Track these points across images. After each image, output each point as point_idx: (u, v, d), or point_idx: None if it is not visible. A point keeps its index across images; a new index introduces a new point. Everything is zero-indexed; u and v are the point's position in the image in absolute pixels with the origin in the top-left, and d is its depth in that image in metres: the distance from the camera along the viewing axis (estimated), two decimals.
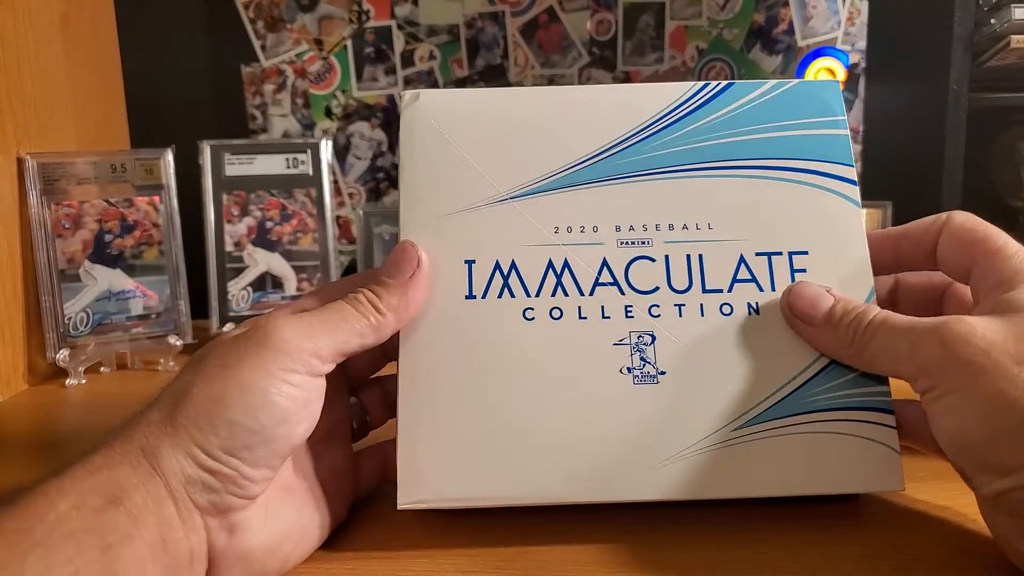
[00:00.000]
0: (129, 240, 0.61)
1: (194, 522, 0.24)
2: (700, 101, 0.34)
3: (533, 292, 0.31)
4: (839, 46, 0.80)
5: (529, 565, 0.28)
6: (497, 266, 0.32)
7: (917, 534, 0.29)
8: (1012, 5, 0.58)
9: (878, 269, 0.32)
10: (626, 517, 0.31)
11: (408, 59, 0.81)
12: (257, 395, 0.25)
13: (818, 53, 0.80)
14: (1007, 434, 0.25)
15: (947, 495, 0.32)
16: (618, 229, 0.32)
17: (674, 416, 0.30)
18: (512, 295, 0.31)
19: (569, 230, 0.32)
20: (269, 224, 0.68)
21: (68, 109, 0.64)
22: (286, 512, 0.27)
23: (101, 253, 0.60)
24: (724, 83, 0.34)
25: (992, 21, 0.61)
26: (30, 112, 0.58)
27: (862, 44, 0.81)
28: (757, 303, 0.31)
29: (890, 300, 0.35)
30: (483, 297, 0.31)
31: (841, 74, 0.80)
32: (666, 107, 0.33)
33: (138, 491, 0.23)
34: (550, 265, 0.32)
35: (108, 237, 0.61)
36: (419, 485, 0.29)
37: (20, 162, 0.56)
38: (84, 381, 0.57)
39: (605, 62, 0.81)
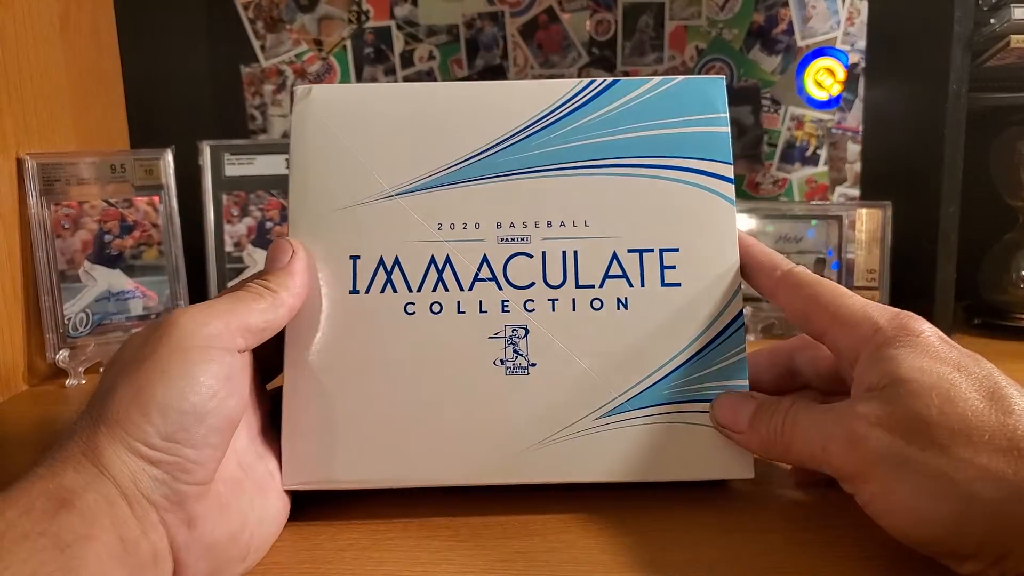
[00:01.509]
0: (129, 240, 0.61)
1: (151, 520, 0.24)
2: (585, 98, 0.34)
3: (415, 287, 0.33)
4: (838, 46, 0.80)
5: (529, 564, 0.28)
6: (381, 262, 0.33)
7: None
8: (1012, 5, 0.58)
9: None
10: (626, 517, 0.31)
11: (407, 59, 0.81)
12: (180, 377, 0.25)
13: (818, 53, 0.80)
14: (946, 525, 0.24)
15: None
16: (499, 226, 0.33)
17: (543, 405, 0.32)
18: (395, 290, 0.32)
19: (452, 227, 0.33)
20: (269, 224, 0.68)
21: (68, 109, 0.64)
22: (240, 502, 0.28)
23: (101, 253, 0.60)
24: (609, 80, 0.34)
25: (992, 21, 0.61)
26: (30, 112, 0.58)
27: (862, 44, 0.80)
28: (626, 298, 0.33)
29: (791, 378, 0.35)
30: (366, 292, 0.32)
31: (841, 74, 0.80)
32: (550, 105, 0.34)
33: (88, 492, 0.23)
34: (432, 261, 0.33)
35: (108, 237, 0.61)
36: (302, 468, 0.31)
37: (20, 162, 0.56)
38: (84, 382, 0.57)
39: (604, 62, 0.81)
